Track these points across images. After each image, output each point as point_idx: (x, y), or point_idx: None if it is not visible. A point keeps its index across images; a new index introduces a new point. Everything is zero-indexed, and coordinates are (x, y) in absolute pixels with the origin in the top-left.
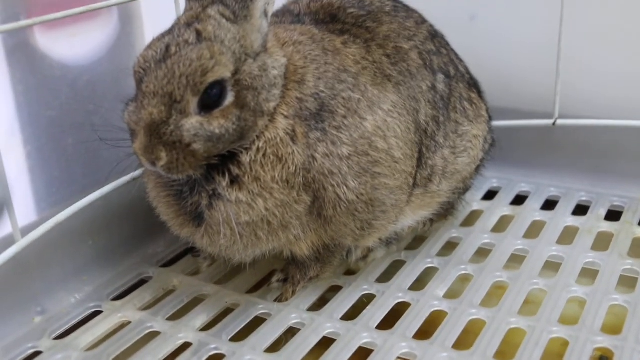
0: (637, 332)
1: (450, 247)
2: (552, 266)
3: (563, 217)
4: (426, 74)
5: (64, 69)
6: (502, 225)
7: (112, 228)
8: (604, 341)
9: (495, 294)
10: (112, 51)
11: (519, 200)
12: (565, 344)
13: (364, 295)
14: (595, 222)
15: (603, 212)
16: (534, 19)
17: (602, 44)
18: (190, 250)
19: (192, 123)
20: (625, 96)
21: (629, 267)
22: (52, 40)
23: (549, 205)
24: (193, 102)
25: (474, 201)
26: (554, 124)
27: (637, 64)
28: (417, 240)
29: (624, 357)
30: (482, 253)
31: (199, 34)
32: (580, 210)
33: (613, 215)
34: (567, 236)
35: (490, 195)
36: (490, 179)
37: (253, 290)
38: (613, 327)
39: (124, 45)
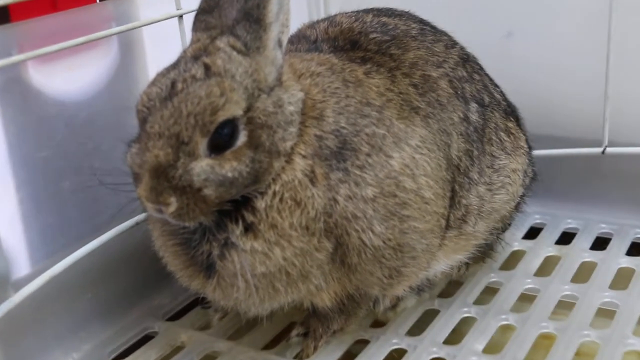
0: None
1: (489, 293)
2: (605, 314)
3: (616, 257)
4: (457, 103)
5: (59, 106)
6: (547, 267)
7: (113, 279)
8: None
9: (542, 345)
10: (112, 84)
11: (566, 238)
12: None
13: (393, 350)
14: None
15: None
16: (578, 35)
17: None
18: (200, 302)
19: (202, 166)
20: None
21: None
22: (46, 74)
23: (600, 243)
24: (202, 144)
25: (514, 241)
26: (603, 152)
27: None
28: (451, 286)
29: None
30: (526, 300)
31: (207, 68)
32: (636, 249)
33: None
34: (622, 279)
35: (532, 233)
36: (533, 215)
37: (270, 346)
38: None
39: (125, 78)
